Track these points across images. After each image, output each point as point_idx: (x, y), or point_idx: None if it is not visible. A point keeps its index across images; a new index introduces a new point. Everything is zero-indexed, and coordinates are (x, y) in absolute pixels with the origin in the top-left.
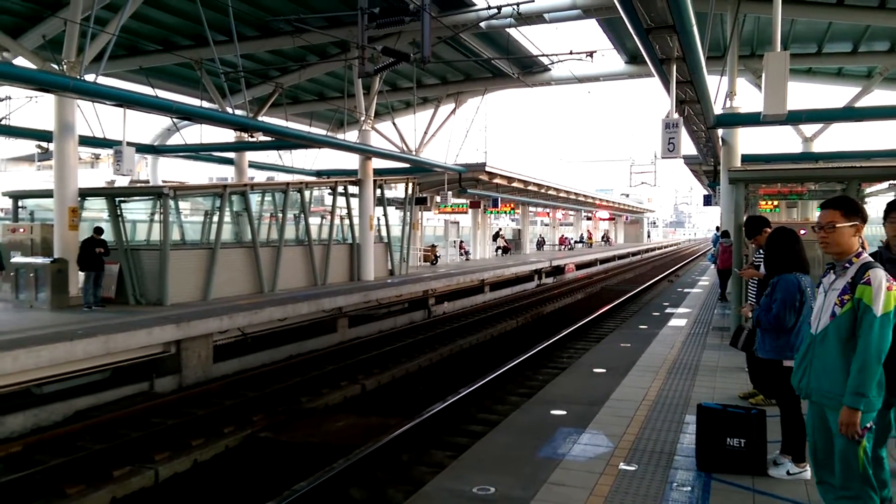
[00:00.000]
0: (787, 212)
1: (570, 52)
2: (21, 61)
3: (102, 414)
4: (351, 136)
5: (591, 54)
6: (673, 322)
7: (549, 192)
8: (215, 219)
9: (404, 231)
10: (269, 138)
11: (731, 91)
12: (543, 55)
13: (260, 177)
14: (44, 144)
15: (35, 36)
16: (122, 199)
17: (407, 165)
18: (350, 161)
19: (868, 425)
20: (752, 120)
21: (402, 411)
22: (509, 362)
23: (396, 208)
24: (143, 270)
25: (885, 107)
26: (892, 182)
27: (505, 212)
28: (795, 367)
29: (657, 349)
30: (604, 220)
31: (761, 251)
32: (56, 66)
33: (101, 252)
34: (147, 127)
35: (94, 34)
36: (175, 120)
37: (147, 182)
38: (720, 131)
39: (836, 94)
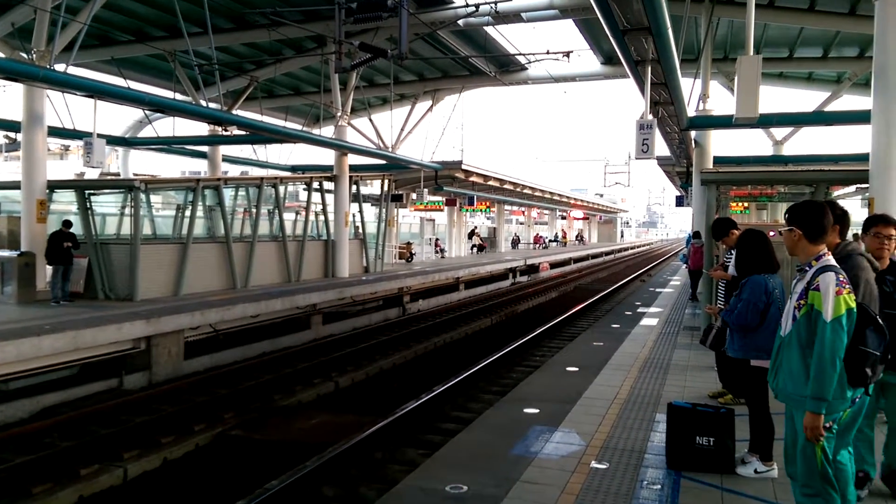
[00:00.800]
0: (757, 213)
1: (547, 52)
2: None
3: (70, 411)
4: (327, 131)
5: (567, 55)
6: (645, 321)
7: (525, 190)
8: (188, 213)
9: (380, 228)
10: (243, 132)
11: (705, 93)
12: (521, 54)
13: (234, 171)
14: (11, 135)
15: (4, 24)
16: (92, 191)
17: (383, 162)
18: (326, 157)
19: (827, 424)
20: (725, 122)
21: (376, 409)
22: (483, 360)
23: (372, 205)
24: (112, 265)
25: (853, 111)
26: (859, 185)
27: (481, 210)
28: (770, 368)
29: (629, 348)
30: (578, 219)
31: (731, 252)
32: (25, 56)
33: (69, 246)
34: (119, 118)
35: (65, 23)
36: (147, 112)
37: (118, 175)
38: (693, 133)
39: (806, 99)
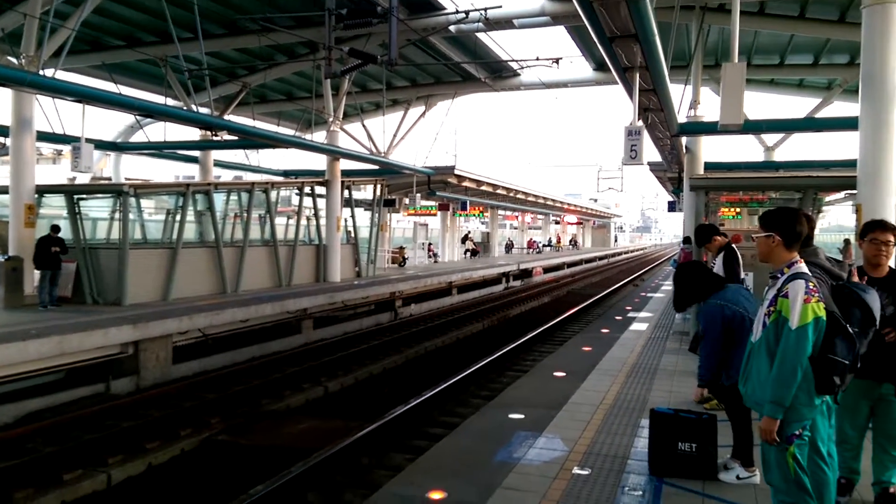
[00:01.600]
0: (749, 219)
1: (537, 59)
2: None
3: (55, 416)
4: (319, 136)
5: (556, 61)
6: (634, 326)
7: (518, 195)
8: (178, 218)
9: (372, 233)
10: (234, 137)
11: (696, 100)
12: (511, 60)
13: (227, 176)
14: (0, 139)
15: None
16: (81, 196)
17: (376, 167)
18: (319, 162)
19: (797, 432)
20: (714, 129)
21: (364, 414)
22: (473, 365)
23: (365, 210)
24: (101, 269)
25: (841, 118)
26: (848, 192)
27: (474, 215)
28: (741, 374)
29: (617, 353)
30: (572, 224)
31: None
32: (15, 60)
33: (57, 251)
34: (111, 123)
35: (54, 28)
36: (138, 117)
37: (109, 179)
38: (684, 139)
39: (797, 105)
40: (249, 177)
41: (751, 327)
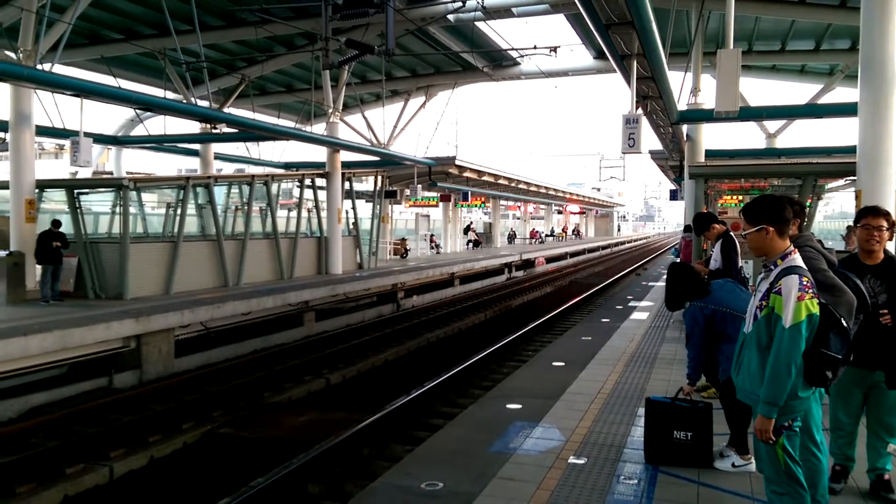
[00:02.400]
0: None
1: (535, 47)
2: None
3: (58, 410)
4: (319, 128)
5: (554, 49)
6: (635, 315)
7: (520, 185)
8: (179, 211)
9: (373, 224)
10: (233, 130)
11: (696, 87)
12: (510, 49)
13: (228, 169)
14: (0, 135)
15: None
16: (82, 191)
17: (376, 158)
18: (319, 153)
19: (786, 424)
20: (713, 116)
21: (365, 406)
22: (475, 356)
23: (366, 201)
24: (102, 264)
25: (841, 104)
26: (849, 178)
27: (476, 205)
28: (733, 364)
29: (617, 342)
30: (574, 213)
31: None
32: (13, 55)
33: (58, 246)
34: (112, 117)
35: (51, 22)
36: (138, 111)
37: (111, 174)
38: (685, 127)
39: (799, 91)
40: (250, 169)
41: (735, 323)
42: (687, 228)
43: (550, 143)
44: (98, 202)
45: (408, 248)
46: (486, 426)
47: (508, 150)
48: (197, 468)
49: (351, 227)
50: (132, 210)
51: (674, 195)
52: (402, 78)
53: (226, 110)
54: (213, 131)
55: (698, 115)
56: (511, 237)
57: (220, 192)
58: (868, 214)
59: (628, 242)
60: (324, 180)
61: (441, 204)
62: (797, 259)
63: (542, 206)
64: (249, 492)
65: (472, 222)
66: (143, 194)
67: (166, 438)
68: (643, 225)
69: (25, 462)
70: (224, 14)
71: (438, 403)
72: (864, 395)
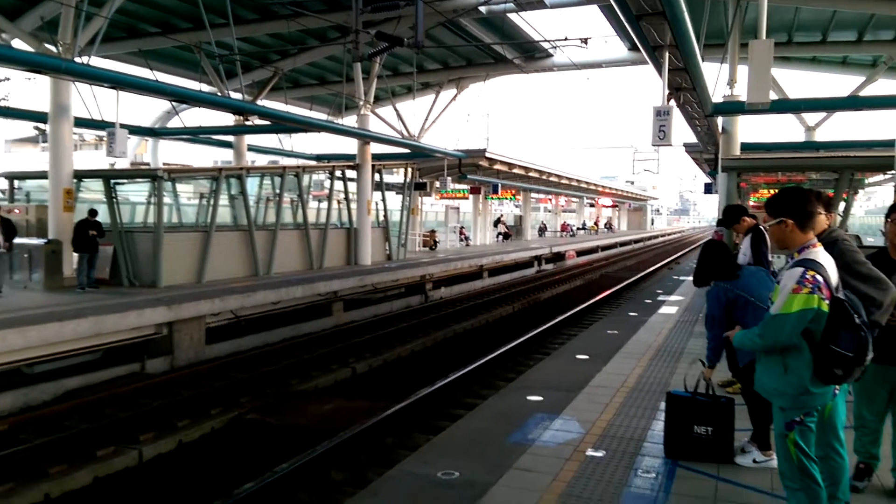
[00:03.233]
0: None
1: (566, 39)
2: (19, 43)
3: (92, 394)
4: (350, 120)
5: (585, 41)
6: (664, 309)
7: (551, 178)
8: (212, 202)
9: (403, 216)
10: (265, 122)
11: (732, 79)
12: (543, 41)
13: (262, 160)
14: (41, 126)
15: (33, 18)
16: (118, 181)
17: (407, 150)
18: (351, 145)
19: (797, 419)
20: (749, 109)
21: (390, 395)
22: (501, 347)
23: (397, 193)
24: (137, 252)
25: (884, 96)
26: (890, 172)
27: (507, 198)
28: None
29: (643, 336)
30: (607, 207)
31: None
32: (53, 48)
33: (94, 234)
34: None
35: (90, 16)
36: (173, 103)
37: (148, 165)
38: (720, 119)
39: (840, 83)
40: (282, 161)
41: (757, 313)
42: (720, 222)
43: (583, 135)
44: (134, 192)
45: (437, 239)
46: (506, 417)
47: (540, 142)
48: (224, 453)
49: (381, 218)
50: (167, 200)
51: (708, 189)
52: (433, 70)
53: (259, 103)
54: (247, 123)
55: (732, 108)
56: (542, 230)
57: (252, 184)
58: None
59: (662, 236)
60: (354, 172)
61: (471, 196)
62: (814, 253)
63: (574, 200)
64: (273, 476)
65: (502, 215)
66: (178, 185)
67: (195, 423)
68: (678, 219)
69: (58, 444)
70: (258, 7)
71: (462, 394)
72: (890, 393)
